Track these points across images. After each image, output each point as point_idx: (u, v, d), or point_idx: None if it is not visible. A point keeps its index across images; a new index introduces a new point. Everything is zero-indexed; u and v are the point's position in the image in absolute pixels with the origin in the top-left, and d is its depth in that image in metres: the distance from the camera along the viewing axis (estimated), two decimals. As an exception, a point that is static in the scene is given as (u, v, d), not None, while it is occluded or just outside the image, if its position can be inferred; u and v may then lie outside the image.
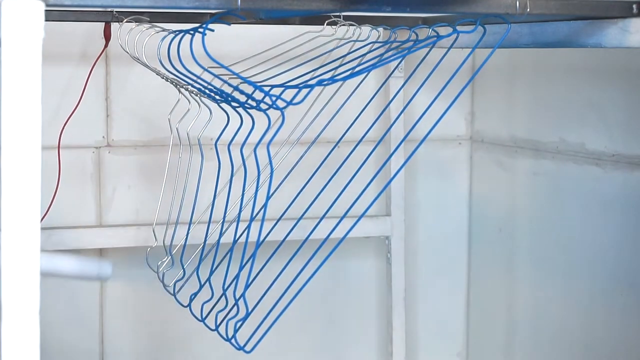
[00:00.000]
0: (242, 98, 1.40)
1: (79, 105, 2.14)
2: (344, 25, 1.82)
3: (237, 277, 1.51)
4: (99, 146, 2.38)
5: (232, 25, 1.61)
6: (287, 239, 1.69)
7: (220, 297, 1.58)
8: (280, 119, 1.27)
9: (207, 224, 1.78)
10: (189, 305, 1.70)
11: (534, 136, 2.33)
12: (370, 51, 1.74)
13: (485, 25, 1.53)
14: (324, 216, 1.59)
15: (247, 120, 1.46)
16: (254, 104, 1.34)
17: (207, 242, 1.77)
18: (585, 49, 1.60)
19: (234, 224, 1.71)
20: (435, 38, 1.51)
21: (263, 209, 1.38)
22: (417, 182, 2.61)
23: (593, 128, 2.10)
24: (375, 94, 1.97)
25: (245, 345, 1.47)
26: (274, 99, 1.29)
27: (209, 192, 1.87)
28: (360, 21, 1.83)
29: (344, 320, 2.62)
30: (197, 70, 1.51)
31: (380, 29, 1.93)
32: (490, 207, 2.57)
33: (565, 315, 2.24)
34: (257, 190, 1.45)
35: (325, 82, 1.38)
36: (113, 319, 2.45)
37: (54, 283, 2.36)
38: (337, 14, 1.81)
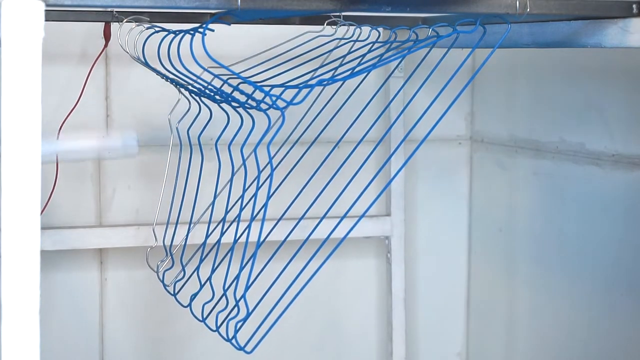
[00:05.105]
0: (242, 98, 1.40)
1: (78, 105, 2.14)
2: (344, 25, 1.82)
3: (237, 277, 1.51)
4: (99, 146, 2.38)
5: (232, 25, 1.61)
6: (287, 239, 1.69)
7: (221, 297, 1.58)
8: (281, 119, 1.27)
9: (207, 224, 1.78)
10: (190, 305, 1.70)
11: (534, 136, 2.33)
12: (370, 51, 1.74)
13: (485, 25, 1.53)
14: (324, 216, 1.59)
15: (247, 120, 1.46)
16: (254, 104, 1.35)
17: (207, 242, 1.77)
18: (585, 49, 1.60)
19: (235, 224, 1.71)
20: (435, 38, 1.51)
21: (263, 209, 1.38)
22: (417, 182, 2.61)
23: (593, 128, 2.10)
24: (375, 94, 1.97)
25: (245, 346, 1.47)
26: (274, 99, 1.29)
27: (209, 192, 1.87)
28: (360, 21, 1.82)
29: (344, 320, 2.62)
30: (197, 70, 1.51)
31: (380, 29, 1.93)
32: (490, 207, 2.57)
33: (565, 315, 2.24)
34: (257, 190, 1.45)
35: (325, 82, 1.38)
36: (113, 319, 2.45)
37: (53, 283, 2.37)
38: (337, 14, 1.81)
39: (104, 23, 1.93)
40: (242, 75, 1.41)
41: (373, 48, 1.76)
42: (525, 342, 2.42)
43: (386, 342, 2.59)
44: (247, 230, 1.51)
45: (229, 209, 1.72)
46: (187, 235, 1.84)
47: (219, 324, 1.56)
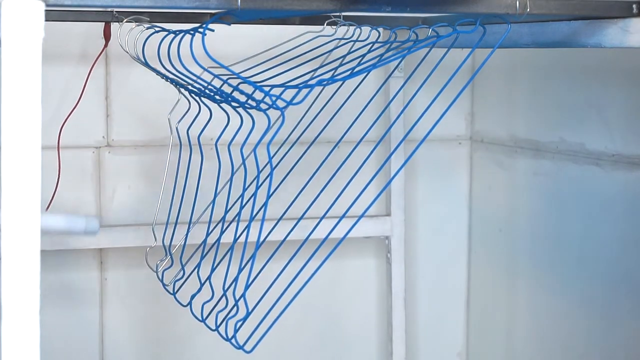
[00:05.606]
0: (242, 98, 1.40)
1: (78, 105, 2.14)
2: (344, 25, 1.82)
3: (237, 277, 1.51)
4: (99, 146, 2.38)
5: (232, 25, 1.61)
6: (287, 239, 1.69)
7: (221, 297, 1.58)
8: (280, 119, 1.27)
9: (207, 224, 1.78)
10: (189, 305, 1.70)
11: (534, 136, 2.33)
12: (370, 51, 1.74)
13: (485, 25, 1.53)
14: (324, 216, 1.59)
15: (247, 120, 1.46)
16: (254, 104, 1.35)
17: (206, 241, 1.77)
18: (585, 49, 1.60)
19: (234, 224, 1.71)
20: (435, 38, 1.51)
21: (263, 209, 1.38)
22: (417, 182, 2.61)
23: (593, 128, 2.10)
24: (375, 94, 1.97)
25: (245, 345, 1.47)
26: (274, 99, 1.29)
27: (209, 192, 1.87)
28: (360, 21, 1.82)
29: (344, 320, 2.62)
30: (197, 70, 1.51)
31: (380, 29, 1.93)
32: (490, 207, 2.57)
33: (565, 315, 2.24)
34: (257, 190, 1.45)
35: (325, 82, 1.38)
36: (113, 319, 2.45)
37: (53, 283, 2.37)
38: (337, 14, 1.81)
39: (104, 23, 1.93)
40: (242, 75, 1.41)
41: (373, 48, 1.76)
42: (525, 342, 2.42)
43: (386, 342, 2.59)
44: (246, 230, 1.51)
45: (228, 208, 1.72)
46: (186, 235, 1.84)
47: (218, 324, 1.56)
